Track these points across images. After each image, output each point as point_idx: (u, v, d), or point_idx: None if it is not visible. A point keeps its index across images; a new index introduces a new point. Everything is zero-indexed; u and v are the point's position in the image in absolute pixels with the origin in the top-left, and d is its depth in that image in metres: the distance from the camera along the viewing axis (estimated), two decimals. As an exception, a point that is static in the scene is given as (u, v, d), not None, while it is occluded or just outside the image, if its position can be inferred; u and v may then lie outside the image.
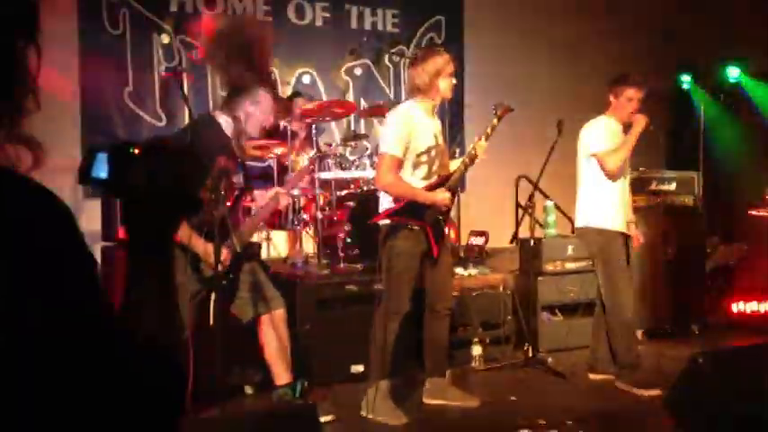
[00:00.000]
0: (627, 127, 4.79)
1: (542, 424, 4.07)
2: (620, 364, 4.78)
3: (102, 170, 1.15)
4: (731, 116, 7.90)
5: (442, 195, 4.23)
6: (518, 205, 6.71)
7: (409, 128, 4.20)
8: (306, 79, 6.93)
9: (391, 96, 7.19)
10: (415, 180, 4.24)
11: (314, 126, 5.90)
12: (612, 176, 4.74)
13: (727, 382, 3.67)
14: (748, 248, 6.69)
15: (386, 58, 7.19)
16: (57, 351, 0.92)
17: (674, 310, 6.23)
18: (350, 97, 7.00)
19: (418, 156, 4.23)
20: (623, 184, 4.86)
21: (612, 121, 4.83)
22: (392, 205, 4.23)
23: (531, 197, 5.70)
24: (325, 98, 6.77)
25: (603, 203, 4.79)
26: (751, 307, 6.60)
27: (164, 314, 1.18)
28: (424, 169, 4.26)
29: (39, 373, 0.91)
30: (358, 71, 7.11)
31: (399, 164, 4.19)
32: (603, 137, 4.77)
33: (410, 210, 4.20)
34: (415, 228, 4.20)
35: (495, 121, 4.39)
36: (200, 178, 1.21)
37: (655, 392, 4.54)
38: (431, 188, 4.25)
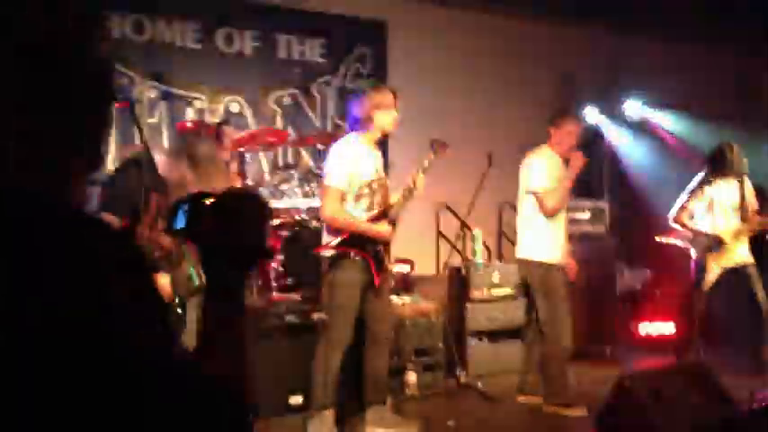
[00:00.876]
0: (566, 161, 5.04)
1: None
2: (551, 387, 5.02)
3: (181, 221, 1.22)
4: (638, 147, 8.38)
5: (384, 228, 4.39)
6: (440, 234, 6.95)
7: (351, 160, 4.33)
8: (234, 108, 6.96)
9: (318, 126, 7.29)
10: (358, 211, 4.37)
11: (246, 156, 5.94)
12: (552, 213, 4.97)
13: (653, 400, 3.96)
14: (653, 274, 7.13)
15: (313, 87, 7.31)
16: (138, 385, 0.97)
17: (587, 333, 6.57)
18: (278, 126, 7.06)
19: (360, 188, 4.36)
20: (562, 217, 5.10)
21: (553, 154, 5.07)
22: (333, 236, 4.34)
23: (462, 226, 5.92)
24: (253, 127, 6.81)
25: (544, 237, 5.00)
26: (656, 329, 7.04)
27: (238, 358, 1.24)
28: (365, 201, 4.39)
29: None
30: (286, 100, 7.19)
31: (342, 196, 4.31)
32: (544, 172, 4.98)
33: (353, 241, 4.32)
34: (357, 258, 4.32)
35: (432, 155, 4.57)
36: (267, 225, 1.25)
37: (580, 412, 4.82)
38: (373, 220, 4.39)
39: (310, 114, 7.31)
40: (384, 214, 4.46)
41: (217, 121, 6.68)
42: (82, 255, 0.94)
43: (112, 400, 0.93)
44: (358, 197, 4.37)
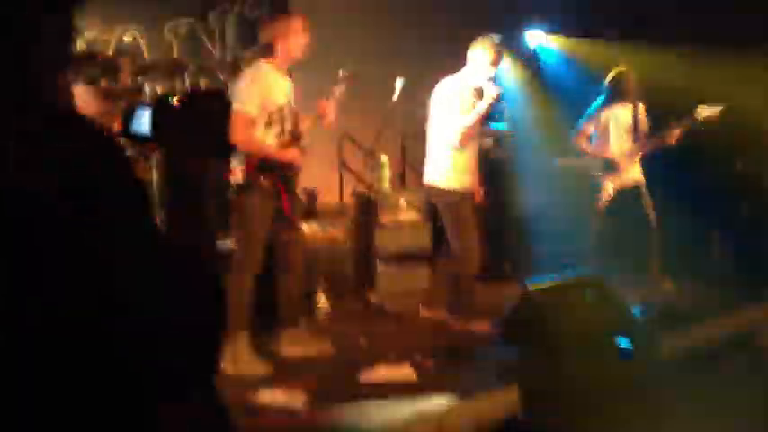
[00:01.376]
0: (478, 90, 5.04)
1: (393, 359, 4.41)
2: (459, 304, 5.19)
3: (143, 125, 1.24)
4: (535, 80, 8.56)
5: (293, 154, 4.41)
6: (342, 163, 6.98)
7: (262, 86, 4.31)
8: (127, 38, 6.70)
9: (217, 56, 7.12)
10: (268, 137, 4.37)
11: (145, 85, 5.78)
12: (465, 143, 5.04)
13: (555, 309, 4.18)
14: (556, 193, 7.37)
15: (211, 17, 7.11)
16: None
17: (493, 253, 6.79)
18: (175, 55, 6.86)
19: (271, 114, 4.35)
20: (473, 145, 5.18)
21: (467, 80, 5.04)
22: (242, 162, 4.32)
23: (371, 153, 5.97)
24: (148, 58, 6.60)
25: (451, 162, 5.07)
26: (552, 247, 7.31)
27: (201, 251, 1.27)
28: (276, 128, 4.39)
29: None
30: (182, 30, 6.98)
31: (252, 121, 4.29)
32: (457, 100, 4.99)
33: (262, 167, 4.32)
34: (267, 185, 4.33)
35: (341, 85, 4.61)
36: (227, 124, 1.29)
37: (484, 326, 5.04)
38: (283, 146, 4.40)
39: (208, 44, 7.13)
40: (294, 141, 4.46)
41: (110, 52, 6.47)
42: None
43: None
44: (268, 123, 4.36)
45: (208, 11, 7.04)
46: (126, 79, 5.81)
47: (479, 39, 5.08)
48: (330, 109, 4.52)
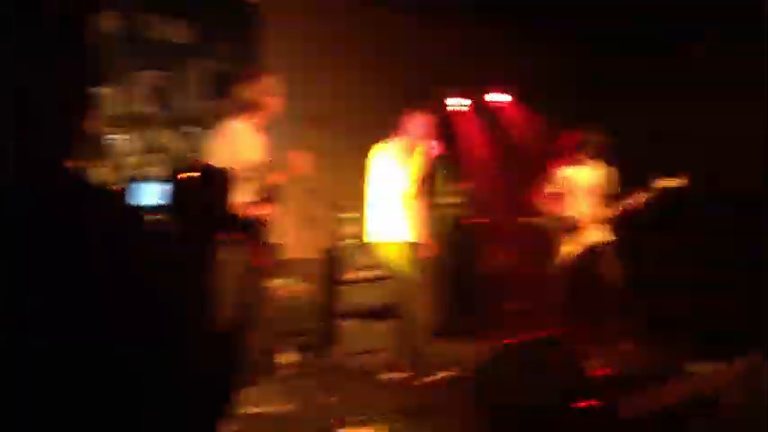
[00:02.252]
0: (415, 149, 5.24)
1: (362, 420, 4.39)
2: (416, 361, 5.22)
3: (147, 196, 1.30)
4: (500, 135, 8.71)
5: (265, 210, 4.43)
6: (312, 217, 7.00)
7: (236, 144, 4.36)
8: (101, 90, 6.70)
9: (190, 108, 7.14)
10: (244, 195, 4.41)
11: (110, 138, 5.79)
12: (411, 197, 5.16)
13: (516, 369, 4.22)
14: (517, 254, 7.47)
15: (183, 69, 7.15)
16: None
17: (455, 311, 6.84)
18: (147, 108, 6.86)
19: (245, 171, 4.38)
20: (416, 200, 5.31)
21: (406, 143, 5.26)
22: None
23: (334, 210, 6.02)
24: (119, 111, 6.59)
25: (400, 217, 5.20)
26: (519, 305, 7.38)
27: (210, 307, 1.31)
28: (251, 184, 4.44)
29: None
30: (156, 83, 7.00)
31: None
32: (400, 158, 5.20)
33: (234, 223, 4.34)
34: (237, 240, 4.34)
35: (312, 138, 4.69)
36: (228, 199, 1.39)
37: (443, 373, 5.04)
38: (255, 203, 4.41)
39: (181, 97, 7.16)
40: (266, 197, 4.49)
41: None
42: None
43: None
44: (245, 180, 4.39)
45: (181, 64, 7.08)
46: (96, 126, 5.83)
47: (416, 105, 5.35)
48: (300, 161, 4.56)
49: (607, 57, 9.24)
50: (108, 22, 6.73)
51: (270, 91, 4.50)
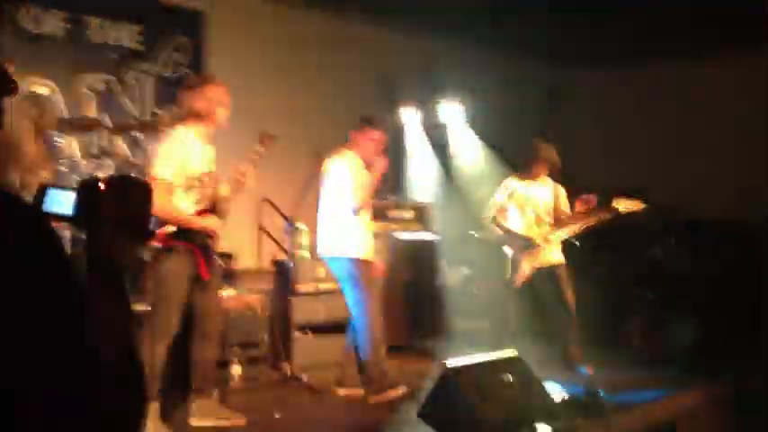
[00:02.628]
0: (368, 164, 5.17)
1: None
2: (369, 378, 5.07)
3: (60, 204, 1.24)
4: (448, 150, 8.68)
5: (211, 221, 4.31)
6: (261, 228, 6.84)
7: (182, 153, 4.25)
8: (41, 90, 6.46)
9: (135, 114, 6.94)
10: (187, 204, 4.29)
11: (56, 139, 5.56)
12: (357, 212, 5.07)
13: (470, 390, 4.10)
14: (472, 271, 7.39)
15: (129, 74, 6.95)
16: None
17: (410, 327, 6.72)
18: (91, 112, 6.65)
19: (189, 181, 4.28)
20: (366, 215, 5.22)
21: (356, 157, 5.18)
22: (159, 227, 4.17)
23: (286, 221, 5.87)
24: (64, 111, 6.37)
25: (349, 233, 5.10)
26: (473, 324, 7.29)
27: (124, 332, 1.22)
28: (195, 194, 4.32)
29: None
30: (100, 86, 6.78)
31: (170, 187, 4.19)
32: (350, 173, 5.10)
33: (179, 233, 4.21)
34: (184, 250, 4.19)
35: (260, 148, 4.54)
36: (148, 207, 1.32)
37: (401, 391, 4.92)
38: (201, 213, 4.30)
39: (127, 102, 6.95)
40: (213, 208, 4.36)
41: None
42: None
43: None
44: (187, 189, 4.29)
45: (125, 68, 6.88)
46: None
47: (369, 120, 5.29)
48: (247, 172, 4.43)
49: (568, 70, 9.36)
50: (52, 22, 6.52)
51: (217, 100, 4.36)
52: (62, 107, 6.49)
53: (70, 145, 6.29)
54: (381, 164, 5.14)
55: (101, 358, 1.08)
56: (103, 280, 1.24)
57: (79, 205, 1.26)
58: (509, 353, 4.90)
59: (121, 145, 6.71)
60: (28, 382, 0.94)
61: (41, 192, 1.29)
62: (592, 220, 6.01)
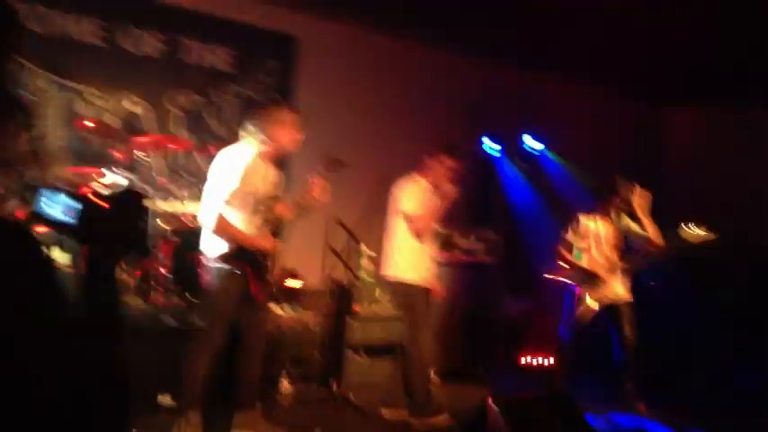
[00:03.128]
0: (437, 189, 5.22)
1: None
2: (414, 401, 5.14)
3: (50, 208, 1.29)
4: (530, 182, 8.68)
5: (269, 241, 4.44)
6: (328, 247, 7.02)
7: (247, 173, 4.34)
8: (134, 108, 6.89)
9: (219, 134, 7.29)
10: (250, 226, 4.40)
11: (139, 158, 5.91)
12: (418, 236, 5.15)
13: (511, 424, 4.12)
14: (538, 306, 7.35)
15: (217, 95, 7.32)
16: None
17: (468, 357, 6.75)
18: (178, 131, 7.04)
19: (253, 201, 4.39)
20: (430, 241, 5.28)
21: (425, 183, 5.26)
22: (216, 245, 4.36)
23: (349, 241, 6.03)
24: (152, 130, 6.77)
25: (408, 256, 5.18)
26: (536, 360, 7.25)
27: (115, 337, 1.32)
28: (259, 216, 4.44)
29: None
30: (188, 105, 7.18)
31: (231, 206, 4.32)
32: (417, 198, 5.18)
33: (235, 253, 4.34)
34: (238, 268, 4.35)
35: (325, 172, 4.59)
36: (144, 220, 1.39)
37: (444, 419, 4.96)
38: (262, 233, 4.43)
39: (212, 122, 7.31)
40: (273, 228, 4.49)
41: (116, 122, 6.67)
42: None
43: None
44: (249, 210, 4.39)
45: (214, 89, 7.24)
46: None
47: (446, 148, 5.29)
48: (318, 185, 4.54)
49: (661, 104, 9.17)
50: (150, 43, 6.96)
51: (288, 126, 4.49)
52: (153, 125, 6.92)
53: (154, 163, 6.68)
54: (452, 192, 5.15)
55: (87, 358, 1.18)
56: (98, 288, 1.33)
57: (79, 218, 1.30)
58: (559, 389, 4.89)
59: (202, 163, 7.06)
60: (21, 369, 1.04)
61: (39, 194, 1.34)
62: (656, 254, 5.92)
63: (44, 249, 1.18)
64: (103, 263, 1.37)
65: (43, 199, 1.35)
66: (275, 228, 4.50)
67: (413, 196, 5.19)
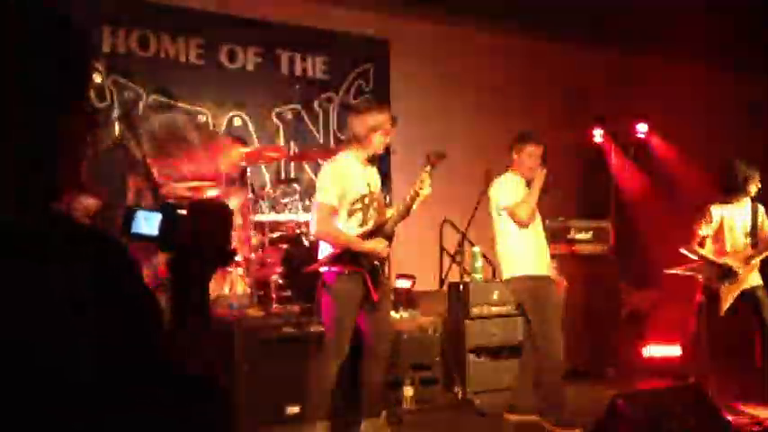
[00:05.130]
0: (530, 181, 5.07)
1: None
2: (548, 404, 4.94)
3: (146, 227, 1.31)
4: (640, 169, 8.37)
5: (376, 244, 4.36)
6: (442, 249, 6.93)
7: (343, 177, 4.34)
8: (237, 122, 7.00)
9: (320, 141, 7.32)
10: (351, 227, 4.36)
11: (248, 169, 5.95)
12: (524, 226, 4.97)
13: (644, 422, 3.91)
14: (660, 295, 7.05)
15: (315, 103, 7.35)
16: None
17: (589, 353, 6.51)
18: (280, 141, 7.11)
19: (352, 204, 4.35)
20: (537, 232, 5.08)
21: (516, 176, 5.10)
22: (325, 251, 4.32)
23: (460, 243, 5.91)
24: (256, 141, 6.85)
25: (523, 251, 4.99)
26: (661, 351, 6.94)
27: (207, 354, 1.28)
28: (358, 217, 4.38)
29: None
30: (288, 115, 7.23)
31: (334, 212, 4.30)
32: (510, 190, 5.04)
33: (345, 256, 4.29)
34: (353, 273, 4.30)
35: (429, 168, 4.48)
36: (229, 231, 1.37)
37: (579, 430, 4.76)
38: (366, 236, 4.37)
39: (312, 129, 7.34)
40: (378, 230, 4.41)
41: (220, 134, 6.77)
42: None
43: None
44: (350, 213, 4.36)
45: (312, 98, 7.28)
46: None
47: (523, 137, 5.12)
48: (417, 193, 4.44)
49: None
50: (247, 57, 7.04)
51: (378, 127, 4.41)
52: (254, 137, 6.99)
53: (260, 172, 6.74)
54: (541, 176, 4.99)
55: (184, 372, 1.15)
56: (186, 301, 1.31)
57: (162, 229, 1.32)
58: (690, 382, 4.66)
59: (308, 171, 7.10)
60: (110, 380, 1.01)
61: (129, 213, 1.35)
62: None
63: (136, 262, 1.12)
64: (189, 275, 1.31)
65: (136, 219, 1.34)
66: (380, 228, 4.40)
67: (506, 189, 5.04)
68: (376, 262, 4.39)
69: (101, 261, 1.05)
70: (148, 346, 1.07)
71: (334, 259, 4.30)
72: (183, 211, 1.34)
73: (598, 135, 8.20)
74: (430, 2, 7.41)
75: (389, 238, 4.47)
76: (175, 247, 1.32)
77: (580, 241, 6.79)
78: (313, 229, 4.39)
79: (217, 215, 1.36)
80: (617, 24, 7.54)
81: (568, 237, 6.69)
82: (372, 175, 4.53)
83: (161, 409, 1.09)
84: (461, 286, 5.98)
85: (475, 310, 5.92)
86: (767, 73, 8.77)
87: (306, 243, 5.66)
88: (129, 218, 1.34)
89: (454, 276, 6.55)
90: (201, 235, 1.32)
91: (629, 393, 4.14)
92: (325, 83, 7.45)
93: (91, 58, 1.20)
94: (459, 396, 5.49)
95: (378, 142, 4.43)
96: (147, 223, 1.34)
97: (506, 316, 5.93)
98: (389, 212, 4.55)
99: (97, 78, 6.34)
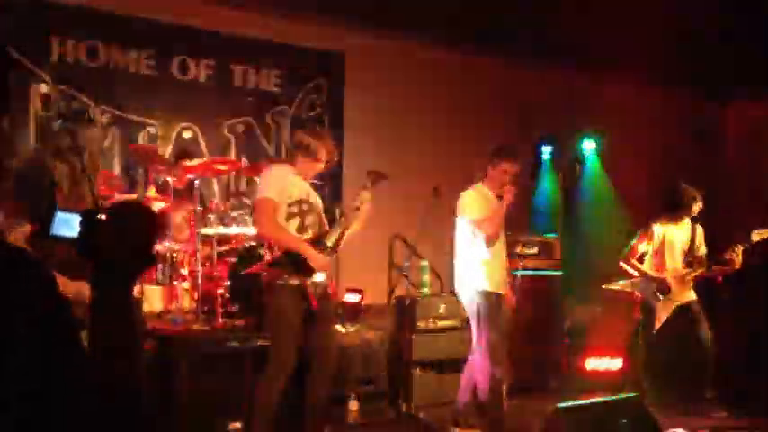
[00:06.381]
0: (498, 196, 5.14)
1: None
2: (489, 417, 5.02)
3: (65, 228, 1.31)
4: (587, 186, 8.50)
5: (322, 260, 4.34)
6: (392, 263, 6.98)
7: (282, 178, 4.40)
8: (187, 134, 6.98)
9: (272, 154, 7.33)
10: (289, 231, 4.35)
11: (196, 182, 5.94)
12: (489, 242, 5.04)
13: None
14: (602, 310, 7.20)
15: (268, 116, 7.37)
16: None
17: (533, 366, 6.62)
18: (231, 154, 7.10)
19: (290, 206, 4.34)
20: (499, 248, 5.16)
21: (486, 190, 5.17)
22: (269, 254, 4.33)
23: (410, 258, 5.97)
24: (206, 154, 6.83)
25: (479, 266, 5.07)
26: (603, 364, 7.08)
27: (131, 361, 1.30)
28: (296, 221, 4.37)
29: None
30: (240, 128, 7.23)
31: (276, 208, 4.29)
32: (478, 205, 5.10)
33: (285, 262, 4.29)
34: (295, 284, 4.30)
35: (369, 186, 4.52)
36: (155, 234, 1.37)
37: None
38: (310, 244, 4.35)
39: (264, 143, 7.35)
40: (318, 242, 4.40)
41: (169, 148, 6.75)
42: None
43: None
44: (288, 215, 4.34)
45: (265, 111, 7.29)
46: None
47: (500, 152, 5.18)
48: (354, 210, 4.49)
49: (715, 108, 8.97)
50: (200, 70, 7.03)
51: (312, 153, 4.45)
52: (204, 150, 6.98)
53: (209, 187, 6.73)
54: (510, 194, 5.05)
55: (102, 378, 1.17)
56: (101, 303, 1.33)
57: (82, 235, 1.33)
58: (628, 395, 4.76)
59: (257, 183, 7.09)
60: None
61: (48, 215, 1.36)
62: (737, 261, 5.81)
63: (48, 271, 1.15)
64: (112, 279, 1.33)
65: (56, 220, 1.35)
66: (321, 241, 4.40)
67: (475, 203, 5.09)
68: (316, 274, 4.38)
69: (19, 283, 1.07)
70: (66, 365, 1.09)
71: (276, 262, 4.29)
72: (104, 216, 1.34)
73: (549, 152, 8.31)
74: (384, 16, 7.46)
75: (332, 253, 4.48)
76: (94, 249, 1.32)
77: (527, 255, 6.90)
78: (258, 229, 4.37)
79: (137, 216, 1.36)
80: (569, 42, 7.68)
81: (516, 251, 6.79)
82: (311, 190, 4.55)
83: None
84: (408, 300, 6.04)
85: (421, 324, 5.98)
86: (712, 99, 9.03)
87: (259, 254, 5.63)
88: (48, 220, 1.34)
89: (403, 291, 6.60)
90: (122, 235, 1.32)
91: (569, 406, 4.21)
92: (278, 96, 7.46)
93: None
94: (404, 410, 5.53)
95: (306, 167, 4.50)
96: (67, 225, 1.34)
97: (452, 329, 6.00)
98: (333, 230, 4.54)
99: (44, 88, 6.29)
